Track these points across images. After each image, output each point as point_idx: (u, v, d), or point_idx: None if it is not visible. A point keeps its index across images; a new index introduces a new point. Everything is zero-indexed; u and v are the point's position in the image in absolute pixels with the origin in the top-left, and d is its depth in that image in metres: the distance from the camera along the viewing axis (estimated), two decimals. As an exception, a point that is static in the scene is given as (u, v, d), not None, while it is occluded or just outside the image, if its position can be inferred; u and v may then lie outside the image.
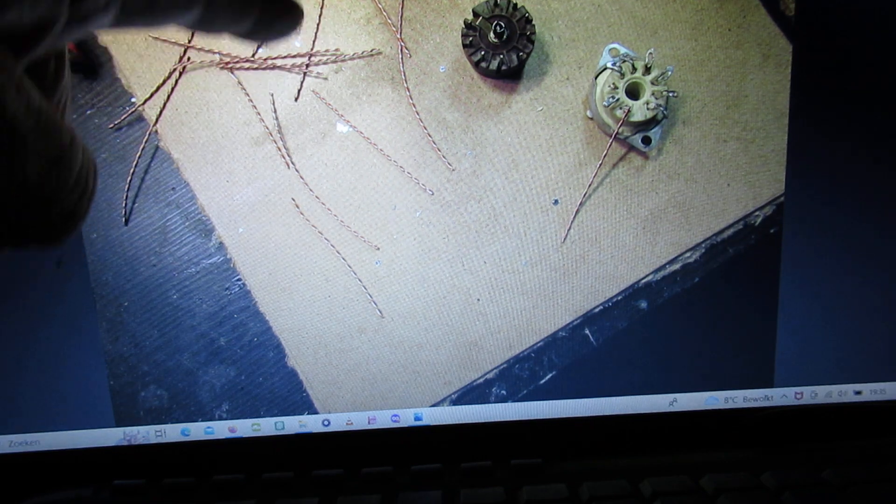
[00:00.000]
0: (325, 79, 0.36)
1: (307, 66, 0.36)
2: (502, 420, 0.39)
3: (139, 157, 0.36)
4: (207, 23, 0.16)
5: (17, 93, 0.12)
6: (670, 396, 0.39)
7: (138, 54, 0.35)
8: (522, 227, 0.37)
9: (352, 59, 0.36)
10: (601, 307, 0.38)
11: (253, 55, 0.35)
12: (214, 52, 0.35)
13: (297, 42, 0.35)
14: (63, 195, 0.13)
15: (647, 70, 0.35)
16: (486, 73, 0.36)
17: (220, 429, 0.38)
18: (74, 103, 0.35)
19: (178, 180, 0.36)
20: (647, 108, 0.35)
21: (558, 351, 0.38)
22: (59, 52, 0.15)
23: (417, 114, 0.36)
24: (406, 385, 0.38)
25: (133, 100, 0.35)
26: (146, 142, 0.36)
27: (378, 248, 0.37)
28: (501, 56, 0.34)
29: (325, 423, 0.38)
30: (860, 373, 0.39)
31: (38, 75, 0.15)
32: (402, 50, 0.36)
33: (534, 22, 0.34)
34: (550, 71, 0.36)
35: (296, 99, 0.36)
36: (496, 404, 0.39)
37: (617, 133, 0.36)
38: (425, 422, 0.39)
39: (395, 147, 0.36)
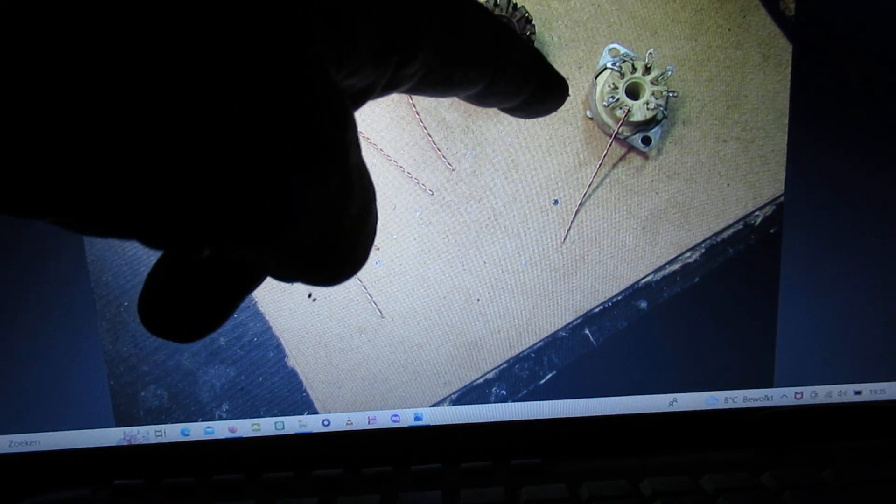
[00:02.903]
0: (325, 79, 0.36)
1: (307, 66, 0.36)
2: (502, 420, 0.39)
3: (139, 157, 0.36)
4: (483, 98, 0.17)
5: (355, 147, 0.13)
6: (670, 396, 0.39)
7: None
8: (522, 227, 0.37)
9: (352, 59, 0.36)
10: (601, 307, 0.38)
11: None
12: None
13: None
14: (361, 244, 0.14)
15: (647, 70, 0.35)
16: (486, 73, 0.36)
17: (220, 429, 0.38)
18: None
19: (178, 180, 0.36)
20: (647, 108, 0.35)
21: (558, 351, 0.38)
22: None
23: (417, 114, 0.36)
24: (406, 385, 0.38)
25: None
26: (146, 142, 0.36)
27: (378, 248, 0.37)
28: (501, 56, 0.34)
29: (325, 423, 0.38)
30: (860, 373, 0.39)
31: None
32: (402, 50, 0.36)
33: (534, 22, 0.35)
34: (550, 71, 0.36)
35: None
36: (496, 404, 0.39)
37: (617, 133, 0.36)
38: (425, 422, 0.39)
39: (395, 147, 0.36)
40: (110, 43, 0.10)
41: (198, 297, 0.14)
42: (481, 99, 0.17)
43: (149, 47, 0.10)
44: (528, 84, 0.17)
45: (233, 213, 0.11)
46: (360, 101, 0.14)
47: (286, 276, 0.14)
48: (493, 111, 0.36)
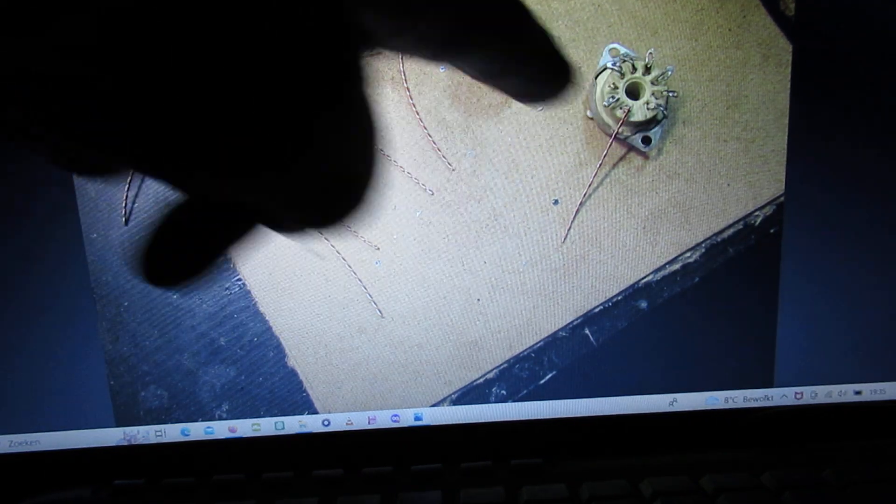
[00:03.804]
0: (325, 79, 0.36)
1: (307, 66, 0.36)
2: (502, 420, 0.39)
3: (139, 157, 0.36)
4: (490, 77, 0.17)
5: None
6: (670, 396, 0.39)
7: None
8: (522, 227, 0.37)
9: (352, 59, 0.36)
10: (601, 307, 0.38)
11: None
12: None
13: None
14: (363, 181, 0.15)
15: (647, 70, 0.35)
16: (486, 73, 0.36)
17: (220, 429, 0.38)
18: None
19: (178, 180, 0.36)
20: (647, 108, 0.35)
21: (558, 351, 0.38)
22: None
23: (417, 114, 0.36)
24: (406, 385, 0.38)
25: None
26: (146, 142, 0.36)
27: (378, 248, 0.37)
28: (501, 56, 0.34)
29: (325, 423, 0.38)
30: (860, 373, 0.39)
31: None
32: (402, 50, 0.36)
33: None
34: (550, 71, 0.36)
35: (296, 99, 0.36)
36: (496, 404, 0.39)
37: (617, 133, 0.36)
38: (425, 422, 0.39)
39: (395, 147, 0.36)
40: None
41: (187, 244, 0.14)
42: (488, 78, 0.17)
43: None
44: (534, 62, 0.17)
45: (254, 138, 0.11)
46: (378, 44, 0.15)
47: (281, 218, 0.14)
48: (493, 111, 0.36)
